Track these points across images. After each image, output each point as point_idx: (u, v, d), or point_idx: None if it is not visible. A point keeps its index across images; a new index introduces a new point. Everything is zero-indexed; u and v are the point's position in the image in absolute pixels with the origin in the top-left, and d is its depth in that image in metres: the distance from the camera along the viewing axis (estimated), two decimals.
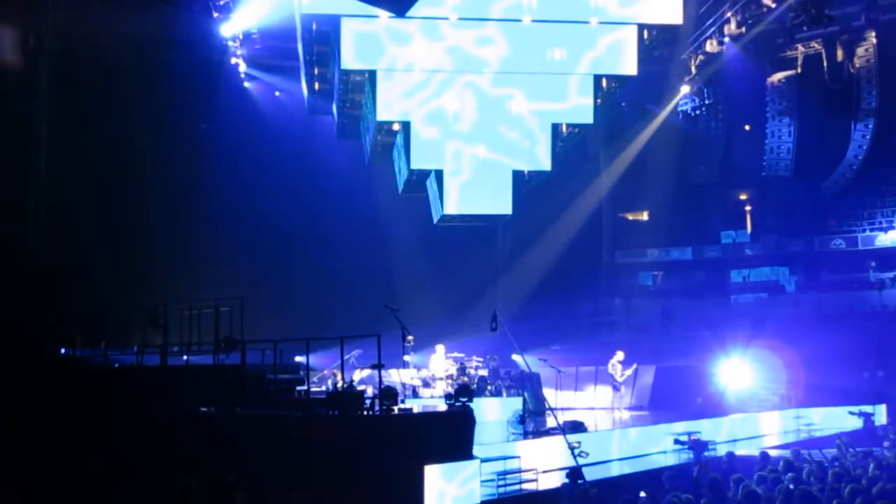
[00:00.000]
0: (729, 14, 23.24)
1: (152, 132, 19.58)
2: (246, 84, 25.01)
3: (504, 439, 13.70)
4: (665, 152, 29.03)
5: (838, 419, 19.13)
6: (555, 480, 11.84)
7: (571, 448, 12.13)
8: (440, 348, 18.63)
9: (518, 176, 21.22)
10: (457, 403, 11.69)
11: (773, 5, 22.97)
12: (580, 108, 20.60)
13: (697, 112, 29.38)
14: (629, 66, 20.24)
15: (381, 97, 19.69)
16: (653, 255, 32.00)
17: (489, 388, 18.25)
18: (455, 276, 24.92)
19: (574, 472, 10.75)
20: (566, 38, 19.95)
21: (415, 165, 20.61)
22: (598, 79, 20.93)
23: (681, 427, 15.37)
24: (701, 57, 25.29)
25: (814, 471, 10.17)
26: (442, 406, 13.37)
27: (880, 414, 20.28)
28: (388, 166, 23.78)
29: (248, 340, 12.39)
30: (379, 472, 10.11)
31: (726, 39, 23.91)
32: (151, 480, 9.80)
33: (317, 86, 23.47)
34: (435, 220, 22.14)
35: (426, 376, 18.29)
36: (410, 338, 14.99)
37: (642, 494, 9.74)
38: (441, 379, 17.97)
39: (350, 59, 19.27)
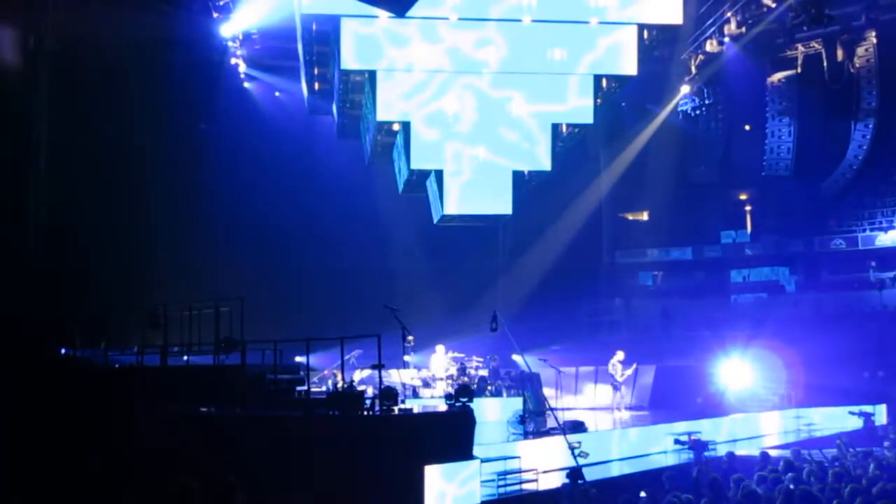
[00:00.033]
0: (729, 14, 23.24)
1: (152, 132, 19.57)
2: (246, 84, 25.01)
3: (504, 439, 13.70)
4: (665, 152, 29.03)
5: (838, 419, 19.13)
6: (555, 481, 11.84)
7: (571, 448, 12.12)
8: (440, 348, 18.63)
9: (518, 176, 21.22)
10: (457, 404, 11.69)
11: (774, 5, 22.98)
12: (580, 108, 20.61)
13: (697, 112, 29.39)
14: (629, 66, 20.24)
15: (381, 97, 19.69)
16: (653, 255, 32.00)
17: (489, 388, 18.25)
18: (455, 276, 24.92)
19: (574, 473, 10.74)
20: (566, 39, 19.95)
21: (415, 166, 20.61)
22: (598, 79, 20.93)
23: (681, 427, 15.37)
24: (701, 57, 25.30)
25: (814, 471, 10.17)
26: (442, 406, 13.37)
27: (880, 414, 20.29)
28: (388, 166, 23.78)
29: (248, 340, 12.39)
30: (379, 472, 10.11)
31: (726, 39, 23.91)
32: (151, 480, 9.80)
33: (317, 86, 23.47)
34: (435, 221, 22.14)
35: (426, 376, 18.29)
36: (410, 338, 14.98)
37: (642, 494, 9.75)
38: (441, 379, 17.97)
39: (350, 59, 19.27)
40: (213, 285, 17.67)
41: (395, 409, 11.41)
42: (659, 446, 15.08)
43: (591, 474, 11.47)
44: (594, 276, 30.48)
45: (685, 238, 31.35)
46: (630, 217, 33.80)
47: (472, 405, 11.71)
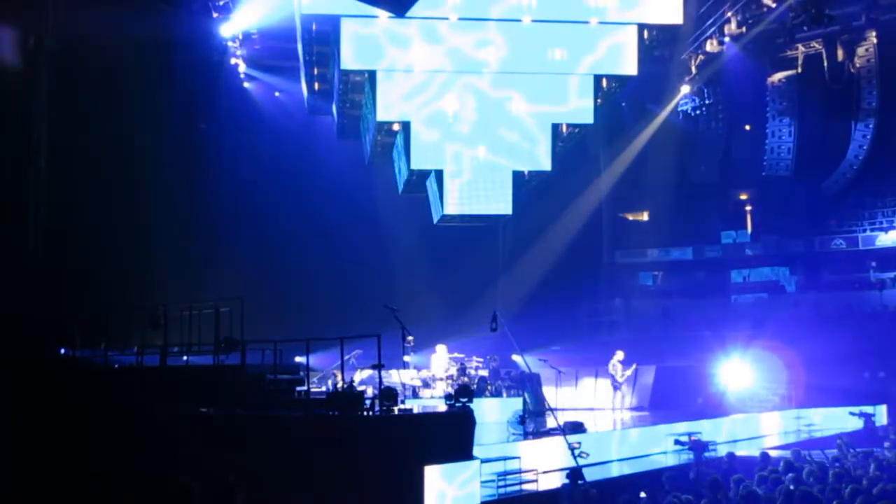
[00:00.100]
0: (729, 14, 23.22)
1: (152, 132, 19.57)
2: (246, 84, 25.00)
3: (504, 440, 13.70)
4: (665, 152, 29.03)
5: (839, 419, 19.11)
6: (555, 481, 11.83)
7: (571, 448, 12.12)
8: (440, 349, 18.62)
9: (518, 176, 21.22)
10: (457, 404, 11.68)
11: (774, 5, 22.96)
12: (580, 108, 20.60)
13: (698, 112, 29.39)
14: (629, 66, 20.23)
15: (381, 98, 19.68)
16: (653, 256, 32.01)
17: (489, 388, 18.24)
18: (455, 276, 24.92)
19: (574, 473, 10.73)
20: (566, 39, 19.94)
21: (415, 166, 20.61)
22: (598, 79, 20.92)
23: (681, 427, 15.36)
24: (701, 57, 25.29)
25: (814, 471, 10.16)
26: (442, 406, 13.36)
27: (881, 414, 20.27)
28: (388, 166, 23.78)
29: (248, 340, 12.38)
30: (379, 472, 10.11)
31: (726, 39, 23.90)
32: (151, 480, 9.80)
33: (317, 86, 23.46)
34: (435, 221, 22.15)
35: (426, 377, 18.28)
36: (410, 338, 14.99)
37: (642, 495, 9.75)
38: (441, 379, 17.96)
39: (350, 59, 19.26)
40: (213, 285, 17.67)
41: (395, 409, 11.41)
42: (659, 447, 15.06)
43: (591, 475, 11.46)
44: (594, 276, 30.49)
45: (685, 238, 31.35)
46: (630, 217, 33.81)
47: (472, 405, 11.70)
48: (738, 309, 28.99)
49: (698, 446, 14.05)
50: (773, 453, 13.06)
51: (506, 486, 11.35)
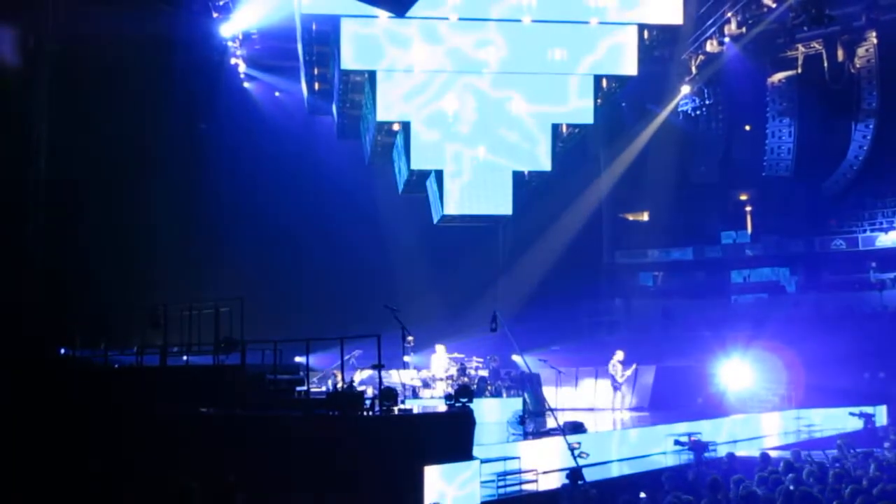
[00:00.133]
0: (729, 14, 23.22)
1: (152, 132, 19.58)
2: (246, 84, 25.01)
3: (504, 440, 13.69)
4: (665, 152, 29.04)
5: (839, 420, 19.11)
6: (555, 481, 11.83)
7: (571, 449, 12.11)
8: (440, 349, 18.62)
9: (518, 176, 21.22)
10: (457, 404, 11.68)
11: (774, 5, 22.95)
12: (580, 108, 20.59)
13: (698, 112, 29.40)
14: (629, 66, 20.23)
15: (381, 98, 19.68)
16: (653, 256, 32.02)
17: (489, 388, 18.24)
18: (455, 276, 24.92)
19: (574, 473, 10.73)
20: (566, 39, 19.94)
21: (415, 166, 20.60)
22: (598, 79, 20.92)
23: (681, 428, 15.35)
24: (701, 57, 25.28)
25: (814, 472, 10.15)
26: (442, 407, 13.36)
27: (881, 415, 20.26)
28: (388, 166, 23.78)
29: (248, 341, 12.38)
30: (379, 472, 10.10)
31: (727, 39, 23.89)
32: (151, 480, 9.81)
33: (317, 86, 23.46)
34: (435, 221, 22.14)
35: (426, 377, 18.27)
36: (410, 338, 14.99)
37: (642, 495, 9.74)
38: (441, 379, 17.95)
39: (350, 59, 19.26)
40: (213, 285, 17.67)
41: (395, 409, 11.40)
42: (659, 447, 15.06)
43: (590, 475, 11.45)
44: (594, 276, 30.49)
45: (685, 238, 31.36)
46: (630, 217, 33.82)
47: (472, 406, 11.69)
48: (738, 309, 28.99)
49: (698, 447, 14.05)
50: (773, 454, 13.05)
51: (506, 486, 11.34)
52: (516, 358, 17.36)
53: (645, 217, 33.68)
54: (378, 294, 19.35)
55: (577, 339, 24.91)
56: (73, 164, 17.27)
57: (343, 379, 13.82)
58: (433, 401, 17.14)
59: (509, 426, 14.82)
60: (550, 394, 17.78)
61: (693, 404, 19.75)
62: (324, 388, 16.35)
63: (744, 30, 23.51)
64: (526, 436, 13.93)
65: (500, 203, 20.90)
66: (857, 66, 27.08)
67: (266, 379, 12.44)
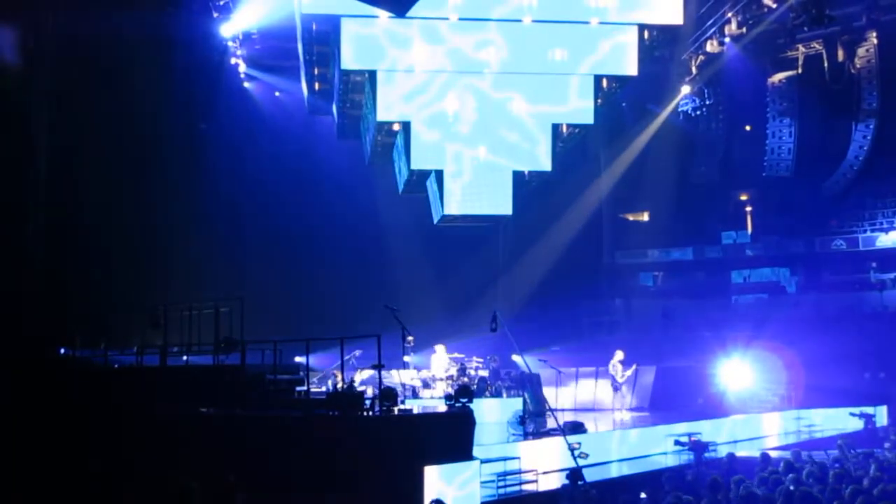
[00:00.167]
0: (730, 14, 23.21)
1: (152, 132, 19.57)
2: (246, 84, 25.00)
3: (504, 440, 13.69)
4: (665, 153, 29.03)
5: (839, 420, 19.11)
6: (555, 481, 11.83)
7: (571, 449, 12.11)
8: (440, 349, 18.61)
9: (518, 176, 21.20)
10: (457, 404, 11.67)
11: (774, 5, 22.94)
12: (580, 108, 20.58)
13: (698, 112, 29.38)
14: (630, 66, 20.22)
15: (382, 98, 19.67)
16: (653, 256, 32.00)
17: (489, 388, 18.23)
18: (455, 276, 24.92)
19: (574, 473, 10.73)
20: (566, 39, 19.93)
21: (415, 166, 20.59)
22: (598, 79, 20.90)
23: (681, 428, 15.35)
24: (701, 57, 25.27)
25: (814, 472, 10.15)
26: (442, 407, 13.35)
27: (881, 415, 20.26)
28: (388, 166, 23.77)
29: (247, 341, 12.38)
30: (379, 472, 10.10)
31: (727, 40, 23.88)
32: (151, 480, 9.80)
33: (317, 86, 23.45)
34: (435, 221, 22.13)
35: (426, 377, 18.27)
36: (410, 338, 14.98)
37: (643, 495, 9.74)
38: (441, 380, 17.95)
39: (350, 59, 19.25)
40: (213, 285, 17.67)
41: (395, 409, 11.40)
42: (659, 447, 15.05)
43: (591, 475, 11.45)
44: (594, 276, 30.48)
45: (686, 238, 31.34)
46: (630, 217, 33.81)
47: (472, 406, 11.69)
48: (738, 309, 28.98)
49: (698, 447, 14.05)
50: (774, 454, 13.05)
51: (506, 486, 11.35)
52: (516, 358, 17.35)
53: (645, 217, 33.67)
54: (378, 294, 19.36)
55: (578, 339, 24.91)
56: (73, 164, 17.28)
57: (343, 379, 13.82)
58: (433, 401, 17.14)
59: (509, 426, 14.81)
60: (550, 394, 17.78)
61: (693, 404, 19.74)
62: (324, 389, 16.35)
63: (744, 30, 23.50)
64: (526, 436, 13.93)
65: (501, 203, 20.89)
66: (858, 66, 27.06)
67: (266, 379, 12.44)
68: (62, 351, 14.64)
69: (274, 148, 24.08)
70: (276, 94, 25.54)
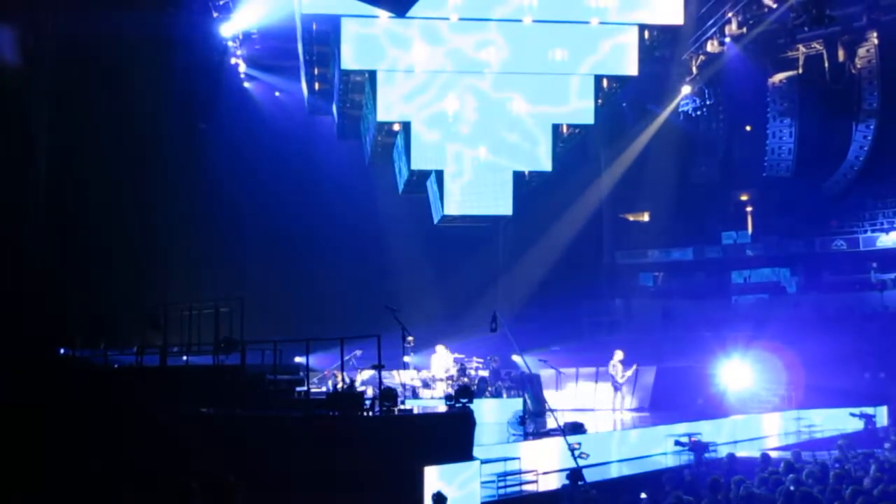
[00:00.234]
0: (730, 14, 23.21)
1: (152, 132, 19.56)
2: (246, 84, 25.01)
3: (504, 440, 13.68)
4: (666, 153, 29.03)
5: (839, 420, 19.10)
6: (555, 482, 11.83)
7: (572, 449, 12.11)
8: (440, 349, 18.60)
9: (518, 176, 21.21)
10: (457, 404, 11.67)
11: (775, 6, 22.93)
12: (581, 108, 20.58)
13: (698, 112, 29.37)
14: (630, 66, 20.22)
15: (382, 98, 19.67)
16: (653, 256, 32.00)
17: (489, 389, 18.23)
18: (455, 276, 24.92)
19: (574, 474, 10.73)
20: (567, 39, 19.93)
21: (415, 166, 20.60)
22: (598, 79, 20.91)
23: (681, 428, 15.35)
24: (702, 57, 25.27)
25: (815, 472, 10.14)
26: (442, 407, 13.35)
27: (881, 415, 20.25)
28: (388, 166, 23.77)
29: (247, 341, 12.38)
30: (379, 472, 10.10)
31: (727, 40, 23.88)
32: (151, 480, 9.79)
33: (317, 86, 23.46)
34: (435, 221, 22.13)
35: (426, 377, 18.26)
36: (410, 338, 14.97)
37: (643, 496, 9.73)
38: (441, 380, 17.94)
39: (350, 59, 19.25)
40: (213, 285, 17.67)
41: (395, 409, 11.40)
42: (659, 448, 15.05)
43: (591, 475, 11.45)
44: (594, 276, 30.48)
45: (686, 239, 31.34)
46: (631, 218, 33.80)
47: (472, 406, 11.69)
48: (738, 310, 28.97)
49: (698, 447, 14.04)
50: (774, 454, 13.04)
51: (506, 486, 11.35)
52: (516, 358, 17.35)
53: (645, 217, 33.67)
54: (378, 294, 19.38)
55: (578, 339, 24.90)
56: (73, 164, 17.27)
57: (343, 379, 13.82)
58: (433, 401, 17.13)
59: (509, 426, 14.80)
60: (550, 394, 17.77)
61: (693, 405, 19.72)
62: (324, 389, 16.34)
63: (744, 30, 23.50)
64: (526, 436, 13.92)
65: (501, 203, 20.89)
66: (858, 66, 27.05)
67: (266, 379, 12.45)
68: (62, 351, 14.64)
69: (274, 148, 24.08)
70: (276, 94, 25.54)
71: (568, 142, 23.43)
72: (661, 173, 29.45)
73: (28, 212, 16.22)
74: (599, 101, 21.34)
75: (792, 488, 8.97)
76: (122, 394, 12.21)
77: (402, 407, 11.91)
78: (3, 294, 14.58)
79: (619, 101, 26.53)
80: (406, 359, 17.26)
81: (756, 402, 20.83)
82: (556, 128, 20.98)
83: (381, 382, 11.75)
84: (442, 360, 18.40)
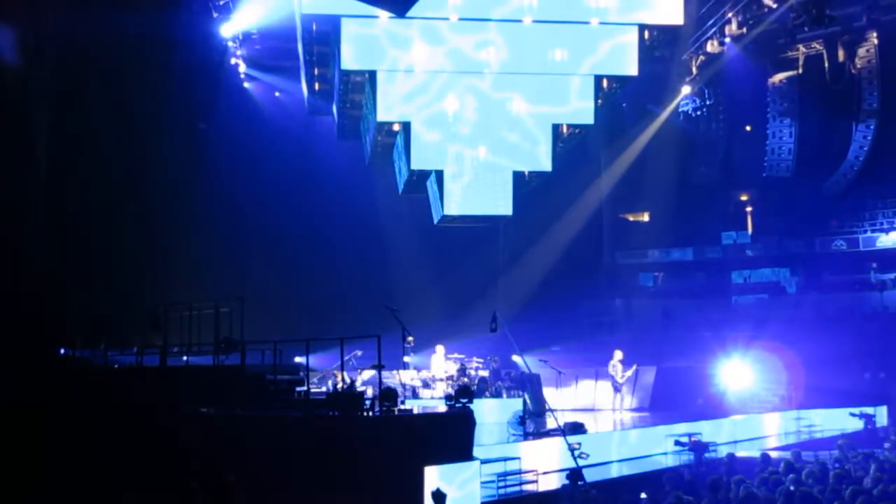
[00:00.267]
0: (730, 14, 23.20)
1: (152, 132, 19.55)
2: (246, 84, 25.00)
3: (504, 440, 13.69)
4: (666, 153, 29.00)
5: (839, 420, 19.10)
6: (555, 482, 11.83)
7: (572, 449, 12.11)
8: (440, 349, 18.61)
9: (518, 177, 21.21)
10: (457, 405, 11.67)
11: (775, 6, 22.92)
12: (581, 108, 20.59)
13: (698, 112, 29.36)
14: (630, 66, 20.23)
15: (382, 98, 19.67)
16: (653, 256, 31.97)
17: (489, 389, 18.23)
18: (455, 276, 24.90)
19: (574, 474, 10.73)
20: (567, 39, 19.94)
21: (415, 166, 20.60)
22: (598, 79, 20.91)
23: (681, 428, 15.36)
24: (702, 57, 25.26)
25: (815, 472, 10.15)
26: (442, 407, 13.35)
27: (881, 415, 20.25)
28: (388, 167, 23.77)
29: (248, 341, 12.37)
30: (379, 472, 10.10)
31: (727, 40, 23.87)
32: (151, 480, 9.79)
33: (317, 86, 23.46)
34: (435, 221, 22.13)
35: (426, 377, 18.27)
36: (410, 338, 14.99)
37: (643, 496, 9.73)
38: (441, 380, 17.95)
39: (350, 59, 19.26)
40: (213, 285, 17.67)
41: (395, 409, 11.40)
42: (659, 448, 15.05)
43: (591, 475, 11.46)
44: (594, 276, 30.45)
45: (686, 239, 31.31)
46: (631, 218, 33.78)
47: (472, 406, 11.69)
48: (738, 310, 28.94)
49: (698, 447, 14.04)
50: (774, 454, 13.05)
51: (506, 486, 11.36)
52: (516, 358, 17.35)
53: (645, 217, 33.65)
54: (378, 294, 19.38)
55: (578, 339, 24.87)
56: (73, 164, 17.25)
57: (343, 379, 13.82)
58: (433, 401, 17.14)
59: (509, 427, 14.81)
60: (550, 394, 17.78)
61: (693, 405, 19.74)
62: (324, 389, 16.35)
63: (744, 30, 23.49)
64: (526, 436, 13.93)
65: (501, 203, 20.89)
66: (858, 66, 27.04)
67: (266, 379, 12.46)
68: (62, 351, 14.63)
69: (274, 148, 24.06)
70: (276, 94, 25.54)
71: (568, 142, 23.43)
72: (661, 173, 29.42)
73: (28, 212, 16.21)
74: (599, 101, 21.35)
75: (792, 488, 8.97)
76: (122, 394, 12.22)
77: (402, 407, 11.91)
78: (3, 294, 14.58)
79: (619, 101, 26.52)
80: (406, 359, 17.28)
81: (756, 402, 20.84)
82: (556, 128, 20.99)
83: (381, 382, 11.75)
84: (441, 361, 18.41)
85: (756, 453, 13.47)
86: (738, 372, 21.20)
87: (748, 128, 30.65)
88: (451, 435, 10.96)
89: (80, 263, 17.02)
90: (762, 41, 25.77)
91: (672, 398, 19.74)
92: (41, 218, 16.32)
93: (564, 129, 22.30)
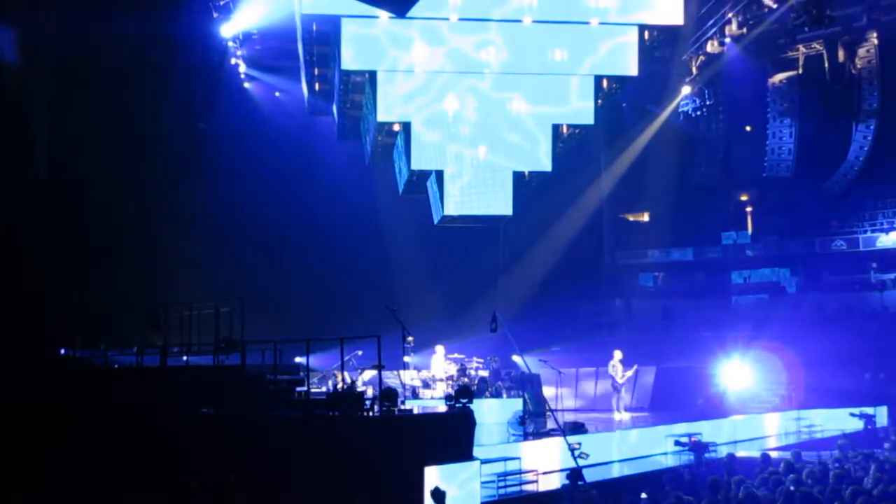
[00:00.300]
0: (730, 15, 23.21)
1: (152, 132, 19.55)
2: (246, 84, 25.01)
3: (504, 440, 13.69)
4: (666, 153, 29.02)
5: (839, 420, 19.09)
6: (555, 482, 11.83)
7: (572, 449, 12.11)
8: (440, 349, 18.60)
9: (519, 177, 21.22)
10: (457, 405, 11.67)
11: (775, 6, 22.93)
12: (581, 109, 20.59)
13: (698, 113, 29.38)
14: (630, 66, 20.23)
15: (382, 99, 19.68)
16: (653, 256, 32.00)
17: (489, 389, 18.23)
18: (455, 276, 24.91)
19: (574, 474, 10.73)
20: (567, 40, 19.95)
21: (415, 166, 20.61)
22: (598, 80, 20.93)
23: (681, 428, 15.35)
24: (702, 58, 25.27)
25: (815, 472, 10.15)
26: (442, 407, 13.35)
27: (881, 415, 20.23)
28: (388, 167, 23.77)
29: (247, 341, 12.37)
30: (379, 472, 10.10)
31: (727, 40, 23.89)
32: (151, 480, 9.79)
33: (317, 86, 23.47)
34: (435, 221, 22.14)
35: (426, 377, 18.26)
36: (410, 339, 14.98)
37: (643, 496, 9.73)
38: (441, 380, 17.94)
39: (350, 60, 19.26)
40: (213, 285, 17.66)
41: (395, 409, 11.40)
42: (659, 448, 15.05)
43: (591, 475, 11.45)
44: (595, 276, 30.47)
45: (686, 239, 31.33)
46: (631, 218, 33.80)
47: (472, 406, 11.69)
48: (738, 310, 28.96)
49: (698, 447, 14.04)
50: (774, 454, 13.04)
51: (506, 486, 11.35)
52: (516, 358, 17.35)
53: (645, 217, 33.67)
54: (378, 294, 19.37)
55: (578, 339, 24.87)
56: (73, 164, 17.25)
57: (343, 379, 13.82)
58: (433, 401, 17.13)
59: (509, 427, 14.81)
60: (551, 394, 17.77)
61: (693, 405, 19.73)
62: (324, 389, 16.34)
63: (744, 30, 23.51)
64: (526, 436, 13.92)
65: (501, 203, 20.90)
66: (858, 66, 27.05)
67: (266, 379, 12.45)
68: (62, 351, 14.63)
69: (274, 148, 24.06)
70: (276, 94, 25.55)
71: (568, 142, 23.44)
72: (661, 173, 29.44)
73: (28, 212, 16.20)
74: (599, 101, 21.36)
75: (792, 488, 8.97)
76: (122, 394, 12.22)
77: (402, 407, 11.91)
78: (3, 294, 14.58)
79: (619, 101, 26.53)
80: (406, 359, 17.26)
81: (756, 402, 20.84)
82: (556, 128, 21.00)
83: (381, 382, 11.75)
84: (441, 361, 18.41)
85: (756, 453, 13.47)
86: (738, 372, 21.20)
87: (748, 128, 30.67)
88: (451, 435, 10.96)
89: (80, 263, 17.02)
90: (762, 41, 25.80)
91: (672, 398, 19.73)
92: (41, 218, 16.31)
93: (564, 130, 22.31)
